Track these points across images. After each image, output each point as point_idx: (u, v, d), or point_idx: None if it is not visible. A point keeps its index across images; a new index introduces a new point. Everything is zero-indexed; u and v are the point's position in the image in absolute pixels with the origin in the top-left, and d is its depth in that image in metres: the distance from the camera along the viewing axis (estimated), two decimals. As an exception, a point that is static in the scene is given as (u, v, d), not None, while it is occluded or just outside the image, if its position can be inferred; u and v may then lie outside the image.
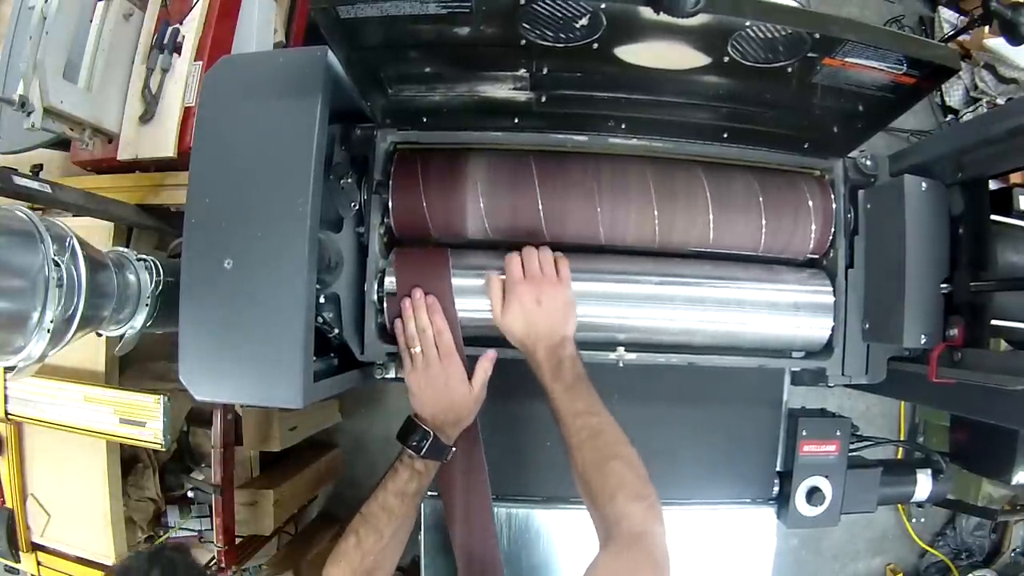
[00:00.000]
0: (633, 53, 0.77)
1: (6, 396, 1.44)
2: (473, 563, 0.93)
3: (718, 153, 0.97)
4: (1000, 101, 2.47)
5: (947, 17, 2.61)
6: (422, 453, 0.86)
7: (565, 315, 0.86)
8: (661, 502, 0.75)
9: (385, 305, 0.91)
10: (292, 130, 0.77)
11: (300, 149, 0.76)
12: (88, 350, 1.40)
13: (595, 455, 0.77)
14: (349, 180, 0.90)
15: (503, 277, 0.88)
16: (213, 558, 1.62)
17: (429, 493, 1.08)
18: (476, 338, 0.91)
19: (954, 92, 2.58)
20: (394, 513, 0.87)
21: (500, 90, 0.86)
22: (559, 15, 0.70)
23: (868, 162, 0.97)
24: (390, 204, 0.91)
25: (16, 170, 1.08)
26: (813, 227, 0.95)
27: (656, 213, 0.92)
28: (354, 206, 0.91)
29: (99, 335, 0.88)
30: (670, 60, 0.79)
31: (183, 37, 1.39)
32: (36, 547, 1.56)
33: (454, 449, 0.90)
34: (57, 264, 0.68)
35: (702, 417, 1.08)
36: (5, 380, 1.43)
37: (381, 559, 0.88)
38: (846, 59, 0.75)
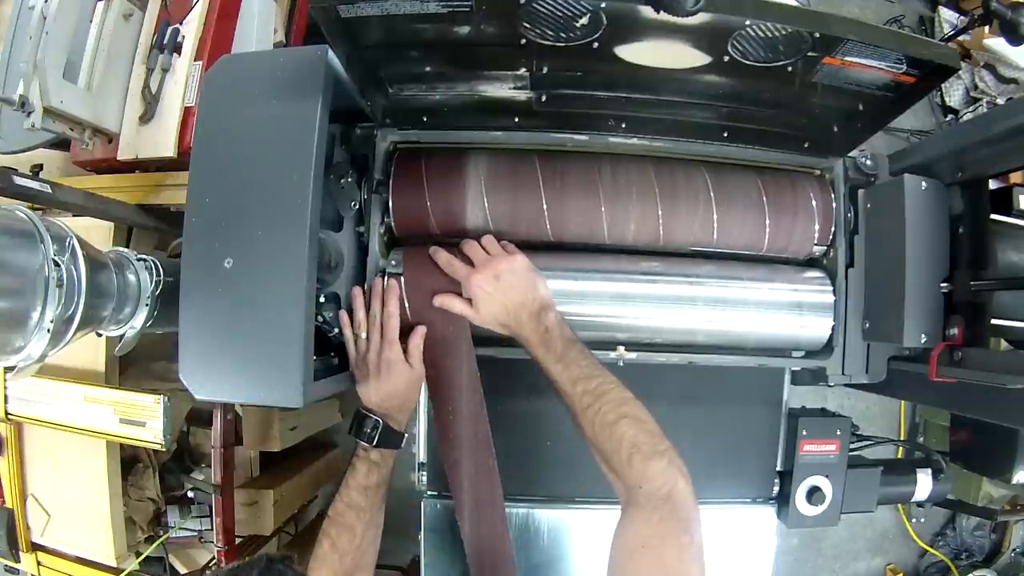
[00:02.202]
0: (633, 52, 0.77)
1: (6, 396, 1.44)
2: (483, 549, 0.90)
3: (718, 152, 0.97)
4: (1000, 101, 2.48)
5: (947, 17, 2.61)
6: (375, 443, 0.86)
7: (531, 280, 0.85)
8: None
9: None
10: (292, 129, 0.77)
11: (300, 148, 0.76)
12: (88, 350, 1.40)
13: (601, 419, 0.76)
14: (349, 179, 0.90)
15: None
16: (213, 558, 1.62)
17: (428, 493, 1.08)
18: (487, 339, 0.90)
19: (954, 92, 2.58)
20: (362, 508, 0.87)
21: (500, 89, 0.86)
22: (559, 14, 0.70)
23: (868, 161, 0.98)
24: (390, 203, 0.91)
25: (16, 170, 1.08)
26: (813, 226, 0.96)
27: (660, 212, 0.92)
28: (354, 205, 0.91)
29: (99, 335, 0.88)
30: (670, 59, 0.79)
31: (183, 37, 1.39)
32: (36, 547, 1.57)
33: (406, 435, 0.89)
34: (57, 264, 0.68)
35: (702, 417, 1.08)
36: (5, 380, 1.43)
37: (359, 557, 0.87)
38: (846, 58, 0.76)
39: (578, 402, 0.78)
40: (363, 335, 0.87)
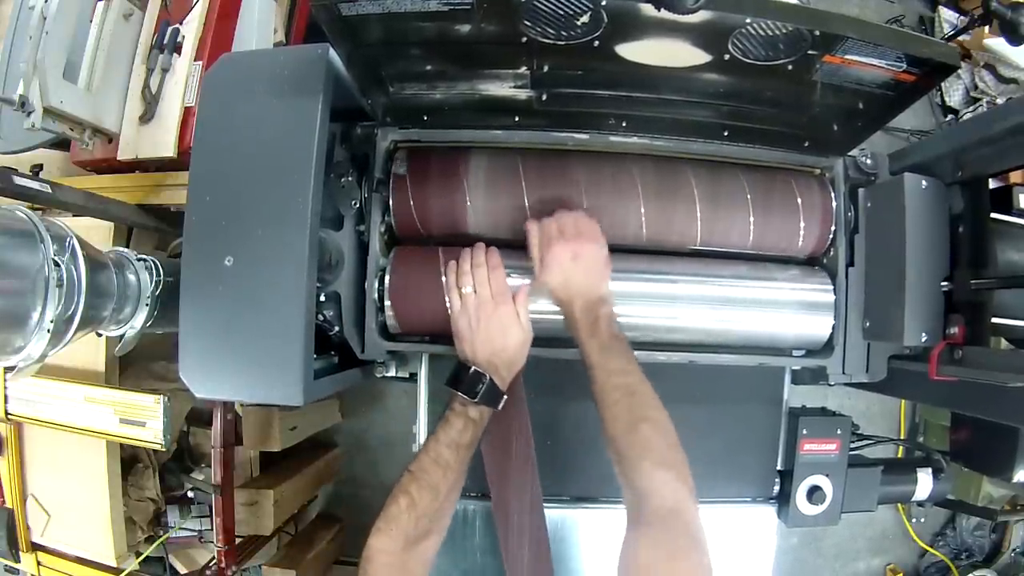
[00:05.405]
0: (634, 51, 0.77)
1: (6, 396, 1.44)
2: (511, 521, 0.88)
3: (718, 151, 0.97)
4: (1000, 101, 2.48)
5: (947, 17, 2.61)
6: (478, 398, 0.82)
7: (601, 272, 0.86)
8: None
9: (387, 295, 0.90)
10: (293, 128, 0.77)
11: (301, 147, 0.76)
12: (88, 350, 1.40)
13: (626, 416, 0.75)
14: (349, 178, 0.90)
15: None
16: (213, 558, 1.62)
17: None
18: None
19: (954, 92, 2.58)
20: (450, 467, 0.81)
21: (501, 88, 0.86)
22: (560, 12, 0.70)
23: (868, 160, 0.98)
24: (390, 202, 0.91)
25: (16, 170, 1.08)
26: (814, 226, 0.95)
27: (661, 212, 0.92)
28: (354, 204, 0.92)
29: (99, 335, 0.88)
30: (671, 58, 0.79)
31: (183, 37, 1.39)
32: (36, 547, 1.57)
33: (506, 396, 0.85)
34: (57, 264, 0.68)
35: (703, 416, 1.08)
36: (5, 380, 1.43)
37: (435, 521, 0.81)
38: (846, 56, 0.76)
39: (608, 393, 0.78)
40: (467, 289, 0.85)
